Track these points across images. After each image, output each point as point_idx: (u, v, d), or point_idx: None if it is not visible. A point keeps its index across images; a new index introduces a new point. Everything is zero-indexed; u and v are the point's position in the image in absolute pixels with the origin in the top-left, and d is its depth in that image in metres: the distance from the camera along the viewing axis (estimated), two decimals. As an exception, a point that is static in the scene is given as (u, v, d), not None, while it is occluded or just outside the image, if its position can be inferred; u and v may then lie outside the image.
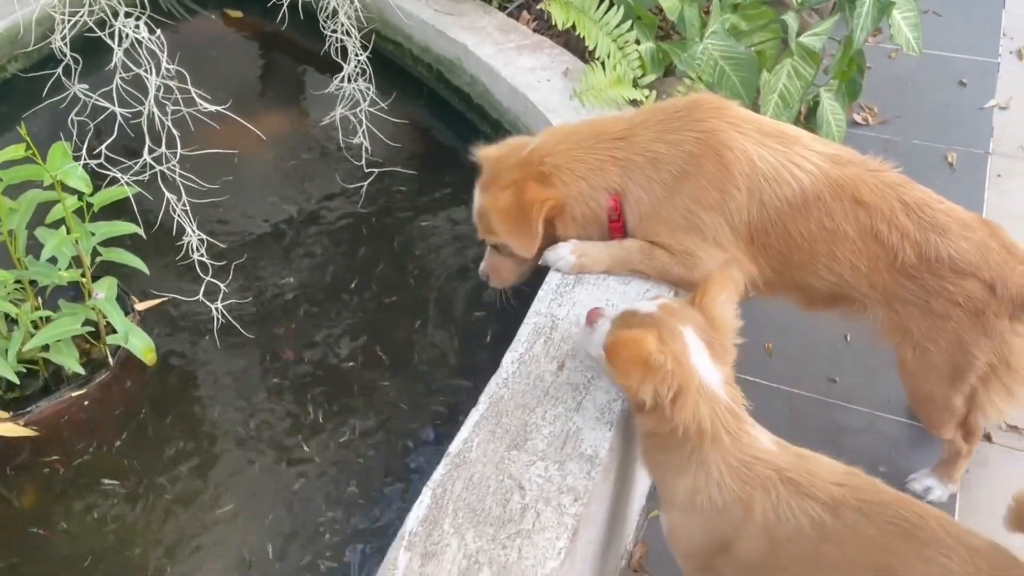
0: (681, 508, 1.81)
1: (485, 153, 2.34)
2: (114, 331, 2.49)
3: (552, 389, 1.98)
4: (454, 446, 1.86)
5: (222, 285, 2.37)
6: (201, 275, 2.36)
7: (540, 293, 2.23)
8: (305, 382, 2.63)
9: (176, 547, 2.24)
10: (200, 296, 2.34)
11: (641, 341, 1.69)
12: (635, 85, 2.94)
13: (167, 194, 2.08)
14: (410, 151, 3.25)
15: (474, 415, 1.93)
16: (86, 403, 2.52)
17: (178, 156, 2.03)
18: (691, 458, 1.76)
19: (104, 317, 2.49)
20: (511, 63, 3.24)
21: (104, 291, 2.42)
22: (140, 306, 2.74)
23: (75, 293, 2.61)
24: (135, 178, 2.07)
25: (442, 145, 3.51)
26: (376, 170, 2.84)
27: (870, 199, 2.13)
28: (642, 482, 2.39)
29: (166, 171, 2.03)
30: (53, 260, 2.33)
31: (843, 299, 2.28)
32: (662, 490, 1.90)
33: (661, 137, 2.18)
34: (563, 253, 2.27)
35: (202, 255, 2.20)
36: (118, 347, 2.57)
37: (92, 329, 2.51)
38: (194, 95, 1.99)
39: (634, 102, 2.88)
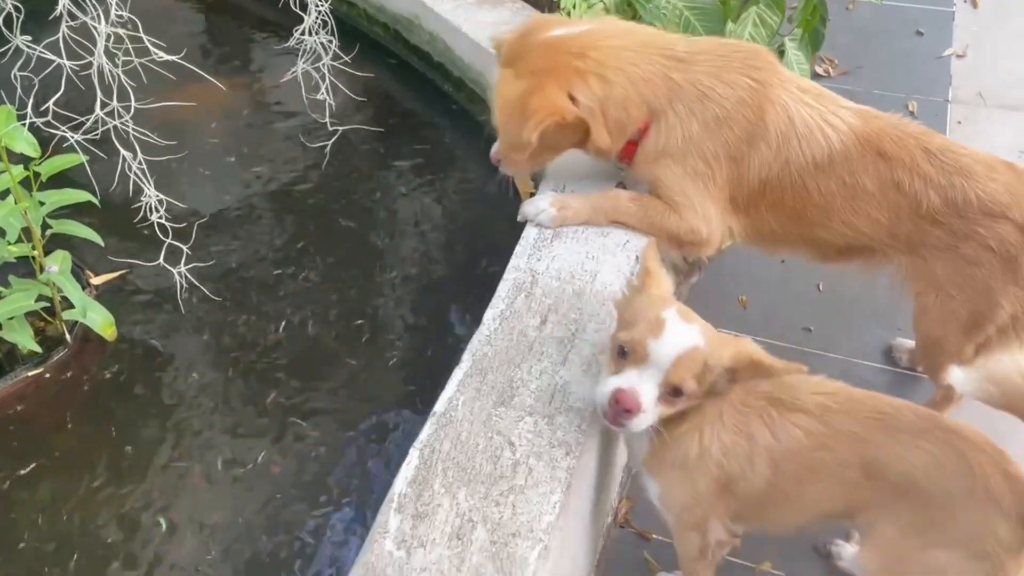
0: (682, 465, 1.77)
1: (503, 37, 2.15)
2: (71, 306, 2.37)
3: (536, 344, 1.93)
4: (439, 405, 1.80)
5: (185, 248, 2.26)
6: (161, 238, 2.24)
7: (518, 248, 2.17)
8: (274, 350, 2.54)
9: (146, 527, 2.15)
10: (161, 261, 2.23)
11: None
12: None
13: (122, 152, 1.96)
14: (375, 107, 3.15)
15: (458, 373, 1.87)
16: (44, 383, 2.41)
17: (132, 111, 1.91)
18: (691, 417, 1.73)
19: (59, 292, 2.38)
20: (471, 18, 3.15)
21: (58, 264, 2.30)
22: (96, 279, 2.63)
23: (26, 269, 2.48)
24: (87, 137, 1.94)
25: (404, 103, 3.40)
26: (340, 128, 2.74)
27: (892, 151, 2.10)
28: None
29: (119, 127, 1.91)
30: (0, 233, 2.21)
31: (861, 251, 2.25)
32: (656, 455, 1.82)
33: (719, 73, 2.08)
34: (543, 206, 2.20)
35: (161, 217, 2.08)
36: (75, 323, 2.46)
37: (47, 305, 2.39)
38: (147, 43, 1.86)
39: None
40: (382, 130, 3.05)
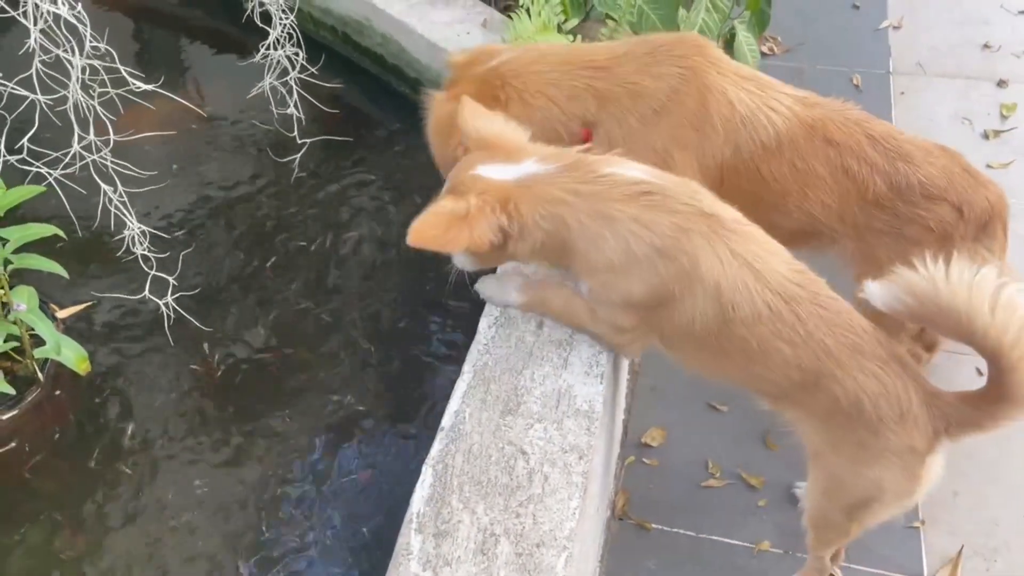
0: (608, 268, 1.74)
1: (454, 59, 2.24)
2: (40, 343, 2.28)
3: (535, 349, 1.93)
4: (446, 420, 1.79)
5: (171, 279, 2.19)
6: (145, 270, 2.18)
7: (504, 253, 2.16)
8: (255, 374, 2.49)
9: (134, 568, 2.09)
10: (147, 293, 2.16)
11: (433, 213, 1.69)
12: (559, 30, 2.87)
13: (103, 186, 1.89)
14: (344, 117, 3.10)
15: (460, 385, 1.86)
16: (19, 425, 2.31)
17: (111, 144, 1.83)
18: (588, 234, 1.71)
19: (28, 330, 2.28)
20: (425, 18, 3.11)
21: (24, 302, 2.21)
22: (61, 313, 2.53)
23: (-15, 308, 2.38)
24: (65, 172, 1.86)
25: (359, 108, 3.35)
26: (308, 141, 2.68)
27: (839, 137, 2.15)
28: (617, 429, 2.38)
29: (98, 161, 1.83)
30: (-39, 274, 2.11)
31: (811, 235, 2.29)
32: (580, 269, 1.81)
33: (645, 70, 2.11)
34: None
35: (145, 249, 2.01)
36: (46, 360, 2.37)
37: (16, 344, 2.29)
38: (124, 74, 1.79)
39: (561, 48, 2.80)
40: (350, 139, 3.00)
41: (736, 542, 2.38)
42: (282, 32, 2.30)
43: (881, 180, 2.14)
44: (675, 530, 2.41)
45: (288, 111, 2.48)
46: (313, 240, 2.77)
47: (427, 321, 2.66)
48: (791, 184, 2.18)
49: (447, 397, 1.83)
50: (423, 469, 1.71)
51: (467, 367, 1.90)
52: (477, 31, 2.99)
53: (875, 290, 1.66)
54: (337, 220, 2.83)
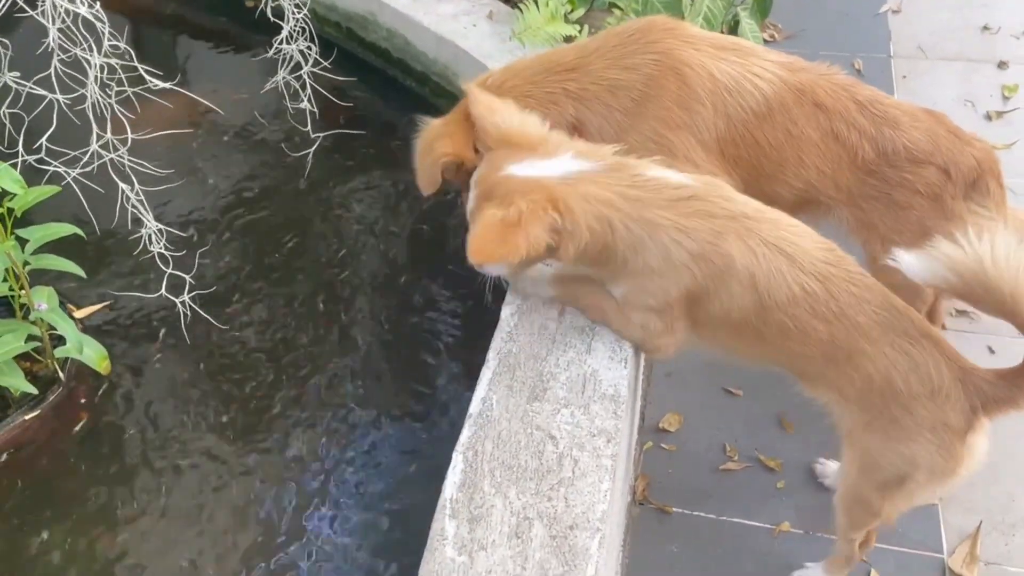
0: (646, 273, 1.75)
1: (467, 84, 2.22)
2: (60, 342, 2.29)
3: (558, 335, 1.94)
4: (474, 406, 1.80)
5: (188, 277, 2.20)
6: (163, 268, 2.18)
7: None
8: (276, 369, 2.50)
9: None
10: (163, 291, 2.17)
11: (485, 226, 1.64)
12: (566, 20, 2.88)
13: (120, 184, 1.89)
14: (356, 111, 3.11)
15: (486, 372, 1.87)
16: (41, 425, 2.32)
17: (128, 143, 1.83)
18: (630, 239, 1.71)
19: (49, 330, 2.29)
20: (431, 11, 3.12)
21: (45, 301, 2.22)
22: (79, 313, 2.54)
23: (2, 309, 2.39)
24: (83, 171, 1.86)
25: (367, 103, 3.35)
26: (321, 135, 2.69)
27: (828, 101, 2.17)
28: (635, 414, 2.40)
29: (115, 159, 1.84)
30: (-19, 276, 2.11)
31: (809, 204, 2.31)
32: (615, 273, 1.82)
33: (617, 63, 2.14)
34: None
35: (162, 247, 2.02)
36: (66, 360, 2.38)
37: (37, 344, 2.30)
38: (142, 72, 1.80)
39: (568, 38, 2.82)
40: (363, 132, 3.01)
41: (756, 524, 2.39)
42: (295, 26, 2.31)
43: (869, 146, 2.16)
44: (696, 513, 2.42)
45: (301, 105, 2.48)
46: (328, 235, 2.78)
47: (446, 313, 2.67)
48: (787, 151, 2.20)
49: (464, 389, 1.85)
50: (453, 456, 1.72)
51: (491, 355, 1.91)
52: (484, 23, 3.00)
53: (912, 262, 1.65)
54: (351, 214, 2.84)
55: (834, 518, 2.06)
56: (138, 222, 2.17)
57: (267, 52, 2.44)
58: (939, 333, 1.80)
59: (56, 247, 2.28)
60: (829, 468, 2.43)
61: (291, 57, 2.38)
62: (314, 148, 2.70)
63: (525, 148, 1.76)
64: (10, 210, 2.15)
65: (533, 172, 1.71)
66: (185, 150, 2.89)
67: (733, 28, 3.42)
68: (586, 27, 2.90)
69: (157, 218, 2.16)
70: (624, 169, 1.75)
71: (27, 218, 2.19)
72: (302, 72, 2.42)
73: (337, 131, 2.93)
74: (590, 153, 1.76)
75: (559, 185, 1.69)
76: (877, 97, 2.20)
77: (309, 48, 2.40)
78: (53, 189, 2.24)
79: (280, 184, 2.92)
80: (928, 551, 2.32)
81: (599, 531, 1.60)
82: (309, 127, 2.54)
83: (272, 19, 2.33)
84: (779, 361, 1.88)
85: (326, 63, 2.52)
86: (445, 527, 1.61)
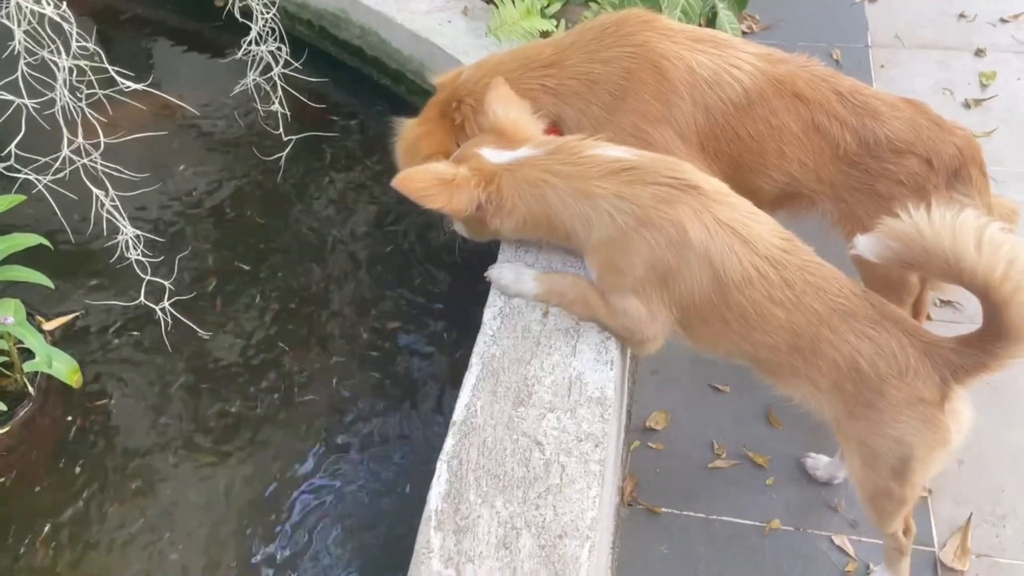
0: (602, 244, 1.81)
1: (438, 79, 2.28)
2: (30, 356, 2.22)
3: (543, 338, 1.90)
4: (457, 414, 1.76)
5: (167, 284, 2.13)
6: (119, 275, 2.12)
7: (503, 243, 2.12)
8: (254, 376, 2.44)
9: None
10: (141, 299, 2.11)
11: (424, 169, 1.81)
12: (542, 15, 2.83)
13: (94, 190, 1.82)
14: (329, 111, 3.06)
15: (469, 378, 1.82)
16: (11, 442, 2.25)
17: (101, 147, 1.77)
18: (574, 210, 1.80)
19: (16, 344, 2.22)
20: (404, 8, 3.06)
21: (12, 315, 2.15)
22: (48, 325, 2.47)
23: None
24: (55, 178, 1.80)
25: (339, 103, 3.29)
26: (293, 138, 2.63)
27: (808, 93, 2.14)
28: (622, 414, 2.36)
29: (88, 164, 1.77)
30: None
31: (792, 198, 2.29)
32: (579, 249, 1.91)
33: (594, 57, 2.11)
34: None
35: (139, 254, 1.95)
36: (36, 374, 2.31)
37: (5, 359, 2.23)
38: (112, 73, 1.73)
39: (545, 33, 2.77)
40: (336, 134, 2.96)
41: (746, 521, 2.37)
42: (264, 27, 2.25)
43: (851, 137, 2.14)
44: (685, 513, 2.39)
45: (272, 107, 2.42)
46: (303, 236, 2.72)
47: (422, 314, 2.63)
48: (768, 143, 2.17)
49: (447, 388, 1.81)
50: (438, 465, 1.68)
51: (475, 359, 1.86)
52: (459, 19, 2.95)
53: (863, 242, 1.68)
54: (325, 215, 2.78)
55: (866, 515, 2.03)
56: (112, 228, 2.11)
57: (236, 54, 2.37)
58: (898, 312, 1.78)
59: (25, 257, 2.21)
60: (820, 461, 2.41)
61: (261, 59, 2.32)
62: (287, 151, 2.64)
63: (504, 139, 1.88)
64: (-28, 221, 2.09)
65: (492, 156, 1.85)
66: (157, 154, 2.82)
67: (711, 20, 3.39)
68: (563, 22, 2.86)
69: (132, 223, 2.09)
70: (564, 151, 1.83)
71: (-9, 227, 2.12)
72: (272, 73, 2.36)
73: (311, 133, 2.88)
74: (543, 143, 1.87)
75: (502, 169, 1.84)
76: (857, 88, 2.17)
77: (279, 49, 2.34)
78: (18, 198, 2.17)
79: (254, 187, 2.86)
80: (919, 544, 2.30)
81: (589, 539, 1.56)
82: (281, 130, 2.48)
83: (240, 19, 2.26)
84: (748, 354, 1.87)
85: (297, 64, 2.45)
86: (431, 539, 1.57)
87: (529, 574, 1.52)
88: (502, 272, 1.99)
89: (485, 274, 2.01)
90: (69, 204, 2.19)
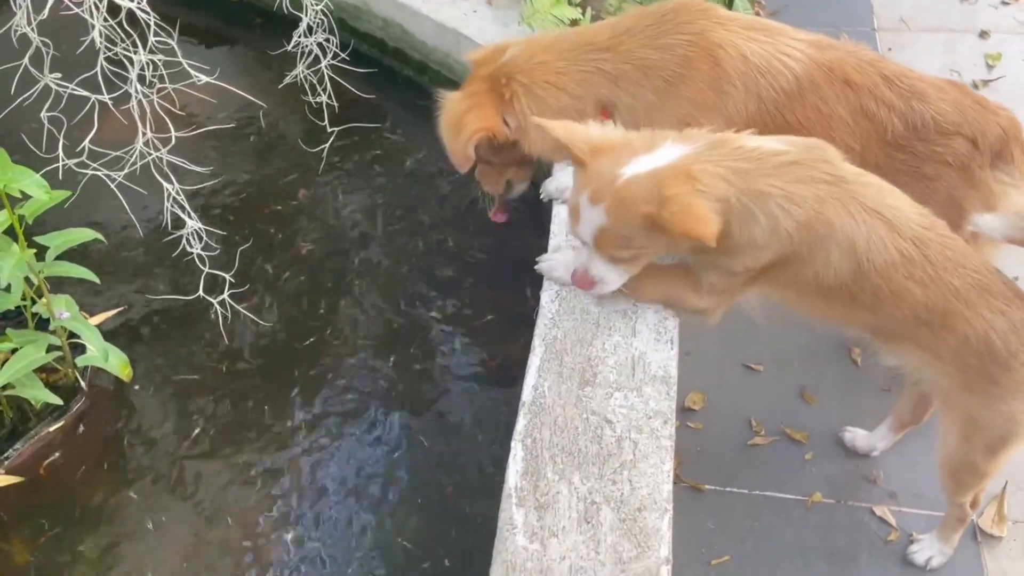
0: (749, 245, 1.74)
1: (471, 56, 2.27)
2: (79, 351, 2.23)
3: (601, 319, 1.94)
4: (526, 394, 1.80)
5: (228, 276, 2.15)
6: (199, 268, 2.13)
7: (553, 227, 2.17)
8: (305, 368, 2.47)
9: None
10: (200, 292, 2.12)
11: (692, 200, 1.63)
12: (570, 3, 2.86)
13: (164, 184, 1.83)
14: (370, 103, 3.06)
15: (534, 360, 1.86)
16: (65, 437, 2.27)
17: (172, 141, 1.78)
18: (741, 213, 1.69)
19: (68, 339, 2.23)
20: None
21: (66, 309, 2.16)
22: (94, 320, 2.47)
23: (13, 318, 2.32)
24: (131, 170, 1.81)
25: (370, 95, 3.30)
26: (336, 129, 2.64)
27: (856, 78, 2.18)
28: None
29: (156, 159, 1.79)
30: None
31: None
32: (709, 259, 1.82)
33: (650, 43, 2.13)
34: (567, 182, 2.19)
35: (203, 247, 1.97)
36: (86, 368, 2.32)
37: (59, 354, 2.24)
38: (185, 66, 1.74)
39: (574, 22, 2.80)
40: (379, 125, 2.97)
41: (789, 496, 2.42)
42: (313, 19, 2.26)
43: (898, 120, 2.17)
44: (728, 489, 2.45)
45: (317, 99, 2.43)
46: (346, 229, 2.74)
47: (456, 303, 2.66)
48: (817, 130, 2.20)
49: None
50: (512, 444, 1.72)
51: (536, 341, 1.90)
52: (484, 9, 2.97)
53: (989, 221, 1.73)
54: (369, 206, 2.80)
55: (941, 484, 2.09)
56: (163, 222, 2.10)
57: (287, 47, 2.38)
58: None
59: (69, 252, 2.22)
60: (859, 434, 2.47)
61: (310, 50, 2.33)
62: (330, 142, 2.65)
63: (620, 152, 1.73)
64: (21, 217, 2.09)
65: (648, 168, 1.68)
66: (206, 149, 2.83)
67: (728, 6, 3.43)
68: (588, 10, 2.89)
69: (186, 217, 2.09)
70: (725, 144, 1.73)
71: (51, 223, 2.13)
72: (322, 65, 2.37)
73: (355, 124, 2.90)
74: (683, 137, 1.75)
75: (692, 165, 1.67)
76: (903, 71, 2.21)
77: (328, 40, 2.35)
78: (63, 193, 2.17)
79: (301, 177, 2.88)
80: (956, 513, 2.37)
81: (667, 511, 1.61)
82: (326, 121, 2.49)
83: (289, 10, 2.26)
84: (866, 324, 1.90)
85: (344, 54, 2.47)
86: (513, 516, 1.61)
87: (612, 547, 1.56)
88: (553, 266, 2.00)
89: (537, 267, 2.05)
90: (116, 199, 2.20)
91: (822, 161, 1.75)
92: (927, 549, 2.25)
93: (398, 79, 3.27)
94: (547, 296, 2.00)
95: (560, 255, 2.06)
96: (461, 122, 2.15)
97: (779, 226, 1.70)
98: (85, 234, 2.14)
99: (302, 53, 2.38)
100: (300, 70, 2.38)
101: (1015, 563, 2.28)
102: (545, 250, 2.13)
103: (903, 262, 1.75)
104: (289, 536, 2.15)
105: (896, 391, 2.55)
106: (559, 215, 2.21)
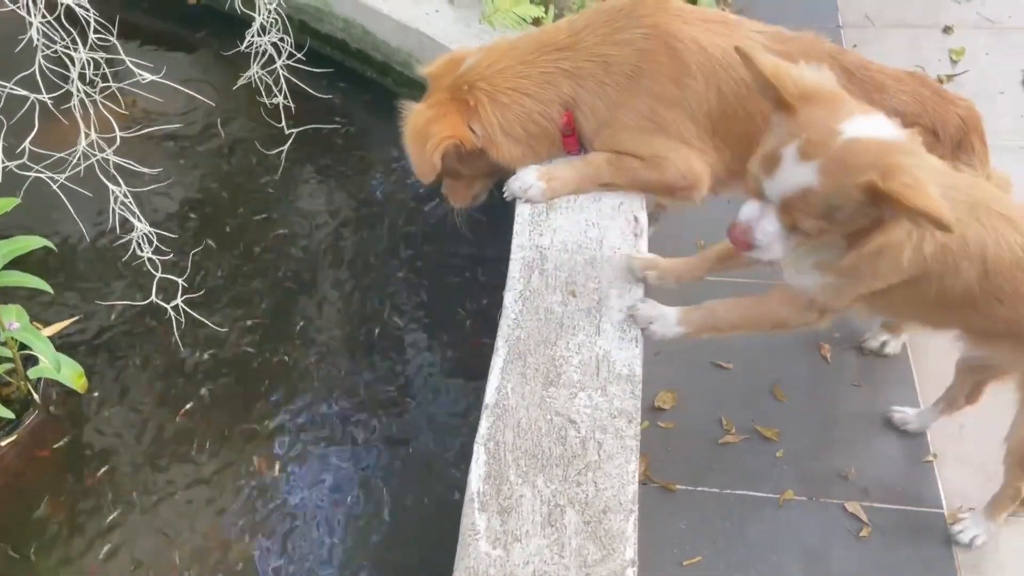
0: (896, 270, 1.66)
1: (427, 70, 2.26)
2: (34, 363, 2.17)
3: (565, 319, 1.91)
4: (489, 396, 1.76)
5: (180, 280, 2.09)
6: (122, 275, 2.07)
7: (516, 227, 2.13)
8: (261, 375, 2.42)
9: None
10: (153, 297, 2.07)
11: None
12: (531, 1, 2.83)
13: (111, 187, 1.78)
14: (330, 104, 3.03)
15: (497, 361, 1.83)
16: (18, 451, 2.20)
17: (117, 142, 1.73)
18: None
19: (19, 350, 2.17)
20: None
21: (16, 320, 2.10)
22: (49, 330, 2.41)
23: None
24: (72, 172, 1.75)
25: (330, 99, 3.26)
26: (295, 131, 2.60)
27: None
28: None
29: (102, 160, 1.73)
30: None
31: None
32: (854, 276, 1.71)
33: (608, 39, 2.12)
34: (530, 180, 2.17)
35: (153, 251, 1.92)
36: (39, 380, 2.26)
37: (10, 365, 2.17)
38: (129, 64, 1.69)
39: (536, 20, 2.77)
40: (339, 127, 2.93)
41: (761, 494, 2.40)
42: (267, 18, 2.22)
43: None
44: (699, 489, 2.42)
45: (273, 100, 2.39)
46: (306, 232, 2.69)
47: (418, 307, 2.63)
48: None
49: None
50: (475, 448, 1.68)
51: (500, 342, 1.87)
52: (446, 8, 2.94)
53: None
54: (327, 208, 2.76)
55: (1004, 464, 2.10)
56: (112, 226, 2.05)
57: (240, 47, 2.33)
58: None
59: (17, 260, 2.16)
60: (910, 414, 2.45)
61: (264, 51, 2.28)
62: (287, 144, 2.60)
63: (837, 105, 1.56)
64: (-32, 225, 2.03)
65: (871, 132, 1.52)
66: (157, 151, 2.77)
67: (692, 3, 3.42)
68: (551, 8, 2.86)
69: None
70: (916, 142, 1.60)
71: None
72: (276, 66, 2.33)
73: (314, 126, 2.85)
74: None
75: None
76: (863, 63, 2.21)
77: (282, 39, 2.31)
78: (13, 201, 2.12)
79: (257, 182, 2.83)
80: (928, 507, 2.36)
81: (632, 512, 1.58)
82: (284, 123, 2.44)
83: (242, 11, 2.22)
84: (970, 326, 1.86)
85: (300, 55, 2.42)
86: (476, 521, 1.57)
87: (577, 550, 1.53)
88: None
89: (507, 192, 2.13)
90: (65, 202, 2.15)
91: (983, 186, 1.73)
92: (973, 527, 2.23)
93: (360, 80, 3.23)
94: (510, 296, 1.97)
95: (526, 172, 2.10)
96: (427, 131, 2.13)
97: (923, 250, 1.63)
98: (34, 241, 2.09)
99: (256, 53, 2.33)
100: (255, 71, 2.34)
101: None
102: (508, 249, 2.10)
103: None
104: (255, 552, 2.10)
105: (865, 386, 2.55)
106: (522, 214, 2.17)
